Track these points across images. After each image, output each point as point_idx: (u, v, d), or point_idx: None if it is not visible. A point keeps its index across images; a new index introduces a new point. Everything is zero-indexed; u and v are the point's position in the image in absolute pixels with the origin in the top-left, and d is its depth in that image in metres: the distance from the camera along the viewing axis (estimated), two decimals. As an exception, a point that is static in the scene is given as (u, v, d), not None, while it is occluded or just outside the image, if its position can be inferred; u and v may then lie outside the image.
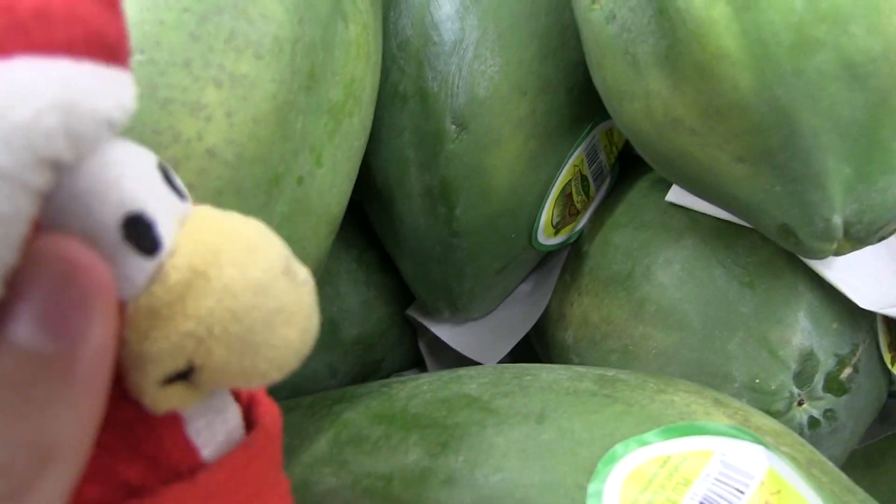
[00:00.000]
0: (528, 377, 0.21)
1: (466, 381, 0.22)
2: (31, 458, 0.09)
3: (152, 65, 0.18)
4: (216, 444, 0.12)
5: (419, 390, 0.22)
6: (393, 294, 0.34)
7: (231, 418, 0.12)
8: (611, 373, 0.21)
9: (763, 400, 0.24)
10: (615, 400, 0.19)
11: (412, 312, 0.33)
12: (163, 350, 0.10)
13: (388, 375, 0.35)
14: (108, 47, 0.09)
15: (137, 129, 0.18)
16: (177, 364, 0.10)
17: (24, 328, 0.09)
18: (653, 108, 0.21)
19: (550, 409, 0.19)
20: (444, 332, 0.32)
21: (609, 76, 0.23)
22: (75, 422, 0.09)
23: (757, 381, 0.24)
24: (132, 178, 0.10)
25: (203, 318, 0.10)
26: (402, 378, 0.24)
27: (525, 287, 0.33)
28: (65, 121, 0.08)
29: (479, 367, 0.23)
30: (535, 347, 0.34)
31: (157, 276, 0.10)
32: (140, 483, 0.11)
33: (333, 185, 0.23)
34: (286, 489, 0.13)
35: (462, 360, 0.32)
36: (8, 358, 0.08)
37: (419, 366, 0.36)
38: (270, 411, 0.13)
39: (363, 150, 0.25)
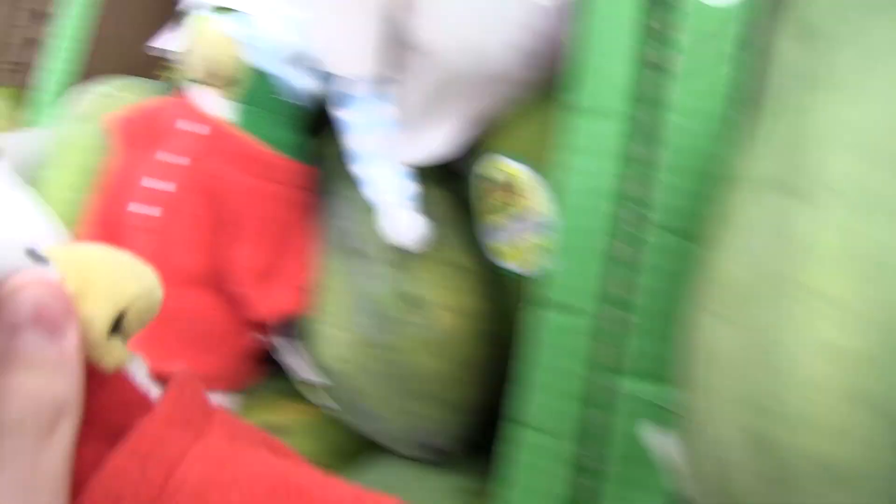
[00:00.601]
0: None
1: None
2: (52, 411, 0.14)
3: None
4: (152, 388, 0.17)
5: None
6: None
7: (147, 373, 0.17)
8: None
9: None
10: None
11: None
12: (95, 302, 0.15)
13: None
14: None
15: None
16: (109, 311, 0.15)
17: (33, 335, 0.14)
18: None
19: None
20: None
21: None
22: (73, 382, 0.14)
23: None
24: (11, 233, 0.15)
25: (103, 274, 0.15)
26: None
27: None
28: None
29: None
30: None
31: (62, 273, 0.15)
32: (121, 426, 0.15)
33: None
34: (222, 415, 0.18)
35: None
36: (27, 355, 0.14)
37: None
38: (180, 370, 0.18)
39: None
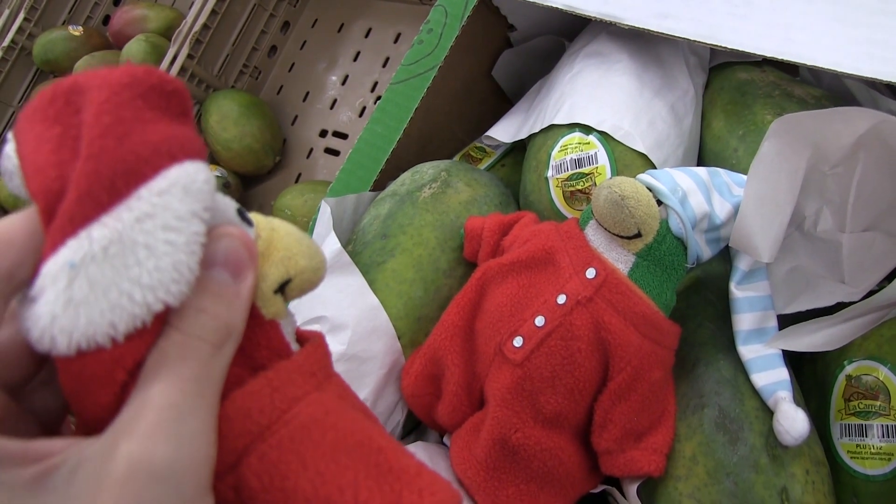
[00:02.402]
0: None
1: None
2: (224, 332, 0.18)
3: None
4: (293, 343, 0.21)
5: None
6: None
7: (293, 332, 0.21)
8: None
9: None
10: None
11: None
12: (273, 265, 0.20)
13: None
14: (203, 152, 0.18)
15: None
16: (280, 274, 0.20)
17: (221, 273, 0.18)
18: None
19: None
20: None
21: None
22: (242, 316, 0.19)
23: None
24: (230, 200, 0.20)
25: (285, 246, 0.20)
26: None
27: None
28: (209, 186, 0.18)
29: None
30: None
31: (257, 235, 0.20)
32: (263, 363, 0.19)
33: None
34: (339, 379, 0.21)
35: None
36: (214, 285, 0.18)
37: None
38: (317, 335, 0.22)
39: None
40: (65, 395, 0.17)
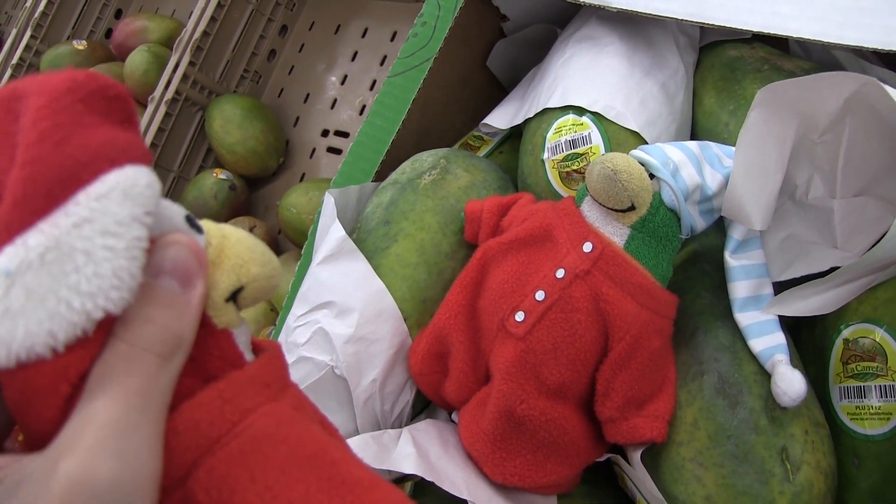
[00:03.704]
0: None
1: None
2: (173, 343, 0.18)
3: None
4: (248, 353, 0.21)
5: None
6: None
7: (248, 342, 0.21)
8: None
9: None
10: None
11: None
12: (224, 273, 0.19)
13: None
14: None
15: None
16: (231, 282, 0.20)
17: (170, 282, 0.18)
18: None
19: None
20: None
21: None
22: (192, 326, 0.18)
23: None
24: (178, 207, 0.20)
25: (237, 253, 0.20)
26: None
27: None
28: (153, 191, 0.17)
29: None
30: None
31: (207, 243, 0.19)
32: (215, 373, 0.19)
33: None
34: (296, 390, 0.21)
35: None
36: (162, 295, 0.18)
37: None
38: (274, 344, 0.22)
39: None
40: (10, 409, 0.17)
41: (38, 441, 0.17)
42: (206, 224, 0.20)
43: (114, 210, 0.16)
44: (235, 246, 0.20)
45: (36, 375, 0.16)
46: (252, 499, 0.18)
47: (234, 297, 0.20)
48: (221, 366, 0.19)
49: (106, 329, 0.17)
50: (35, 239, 0.16)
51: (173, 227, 0.19)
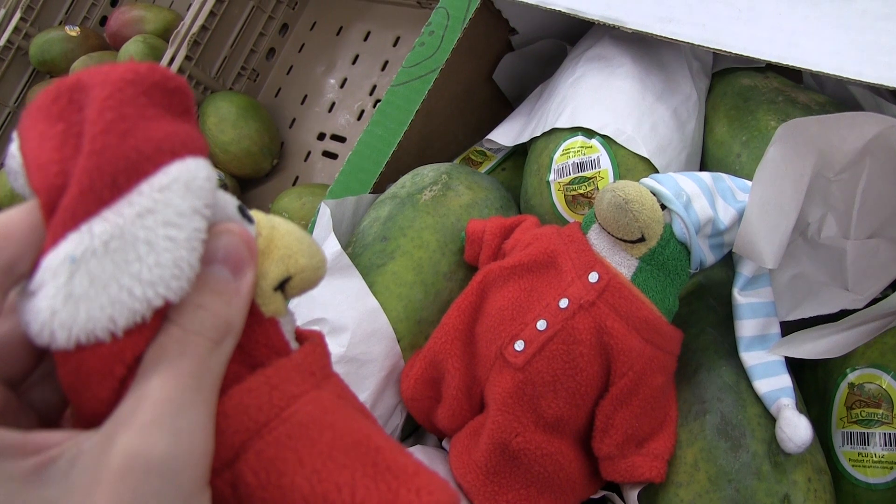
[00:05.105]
0: None
1: None
2: (223, 328, 0.18)
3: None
4: (293, 342, 0.21)
5: None
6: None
7: (293, 331, 0.21)
8: None
9: None
10: None
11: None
12: (273, 262, 0.20)
13: None
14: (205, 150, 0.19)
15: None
16: (280, 272, 0.20)
17: (221, 270, 0.18)
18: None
19: None
20: None
21: None
22: (242, 313, 0.19)
23: None
24: (231, 197, 0.20)
25: (286, 244, 0.20)
26: None
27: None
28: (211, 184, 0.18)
29: None
30: None
31: (257, 233, 0.20)
32: (262, 360, 0.19)
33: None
34: (337, 379, 0.21)
35: None
36: (214, 282, 0.18)
37: None
38: (317, 334, 0.22)
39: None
40: (63, 389, 0.17)
41: (90, 420, 0.17)
42: (256, 214, 0.21)
43: (176, 202, 0.17)
44: (285, 237, 0.20)
45: (92, 357, 0.17)
46: (300, 482, 0.18)
47: (281, 286, 0.20)
48: (267, 353, 0.20)
49: (162, 314, 0.17)
50: (100, 227, 0.16)
51: (226, 216, 0.19)
